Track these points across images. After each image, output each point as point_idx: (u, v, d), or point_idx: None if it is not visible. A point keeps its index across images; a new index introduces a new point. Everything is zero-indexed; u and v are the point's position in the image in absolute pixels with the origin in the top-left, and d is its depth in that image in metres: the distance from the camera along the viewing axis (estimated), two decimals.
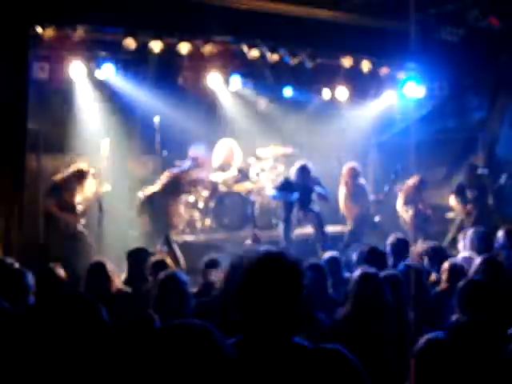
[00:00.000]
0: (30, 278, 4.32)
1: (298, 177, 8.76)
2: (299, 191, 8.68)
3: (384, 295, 4.18)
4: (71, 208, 7.76)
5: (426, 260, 5.75)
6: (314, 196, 8.98)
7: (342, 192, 9.46)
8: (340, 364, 2.03)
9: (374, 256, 5.35)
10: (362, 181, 9.59)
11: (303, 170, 8.75)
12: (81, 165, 8.01)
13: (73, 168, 7.93)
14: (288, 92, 10.15)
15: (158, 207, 8.36)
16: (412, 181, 9.43)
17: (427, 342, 2.81)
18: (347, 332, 3.96)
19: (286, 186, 8.78)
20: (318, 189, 8.86)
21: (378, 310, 4.11)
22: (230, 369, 1.61)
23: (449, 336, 2.92)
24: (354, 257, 5.92)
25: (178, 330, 1.63)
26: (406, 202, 9.40)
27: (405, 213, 9.40)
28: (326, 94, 10.31)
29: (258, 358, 2.01)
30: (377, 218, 9.66)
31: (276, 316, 2.03)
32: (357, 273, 4.30)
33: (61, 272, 4.95)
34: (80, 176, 7.87)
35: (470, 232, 6.21)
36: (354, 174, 9.44)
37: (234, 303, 2.08)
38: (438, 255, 5.68)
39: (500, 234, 6.20)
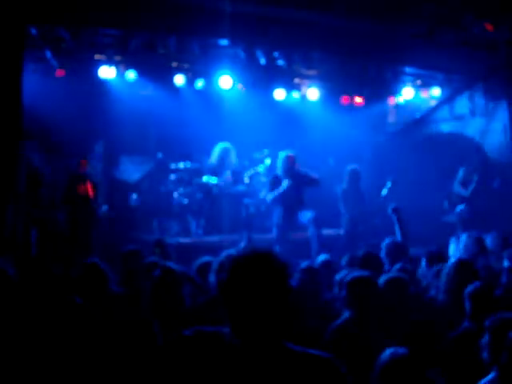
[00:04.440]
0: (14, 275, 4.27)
1: (284, 167, 8.77)
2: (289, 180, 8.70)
3: (379, 298, 4.13)
4: (68, 208, 7.77)
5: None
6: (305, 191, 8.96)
7: (341, 192, 9.53)
8: (331, 374, 2.00)
9: (368, 259, 5.32)
10: (361, 183, 9.66)
11: (288, 160, 8.77)
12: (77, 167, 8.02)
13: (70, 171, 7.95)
14: (280, 94, 10.20)
15: None
16: None
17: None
18: (345, 337, 3.92)
19: (275, 182, 8.80)
20: (306, 174, 8.84)
21: (372, 313, 4.06)
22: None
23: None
24: (344, 260, 5.90)
25: (196, 338, 1.61)
26: None
27: None
28: (319, 96, 10.38)
29: (245, 359, 1.96)
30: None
31: (259, 316, 1.97)
32: (348, 276, 4.26)
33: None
34: (77, 178, 7.88)
35: (464, 236, 6.22)
36: (354, 176, 9.52)
37: (220, 301, 2.04)
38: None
39: (489, 238, 6.24)
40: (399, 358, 2.86)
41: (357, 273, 4.27)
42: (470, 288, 4.00)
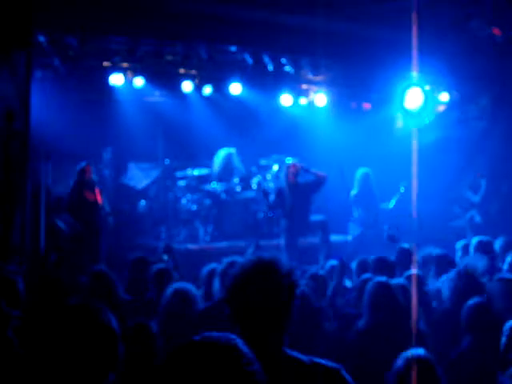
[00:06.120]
0: (22, 286, 4.26)
1: (286, 178, 8.70)
2: (292, 193, 8.63)
3: (399, 304, 4.08)
4: (76, 217, 7.78)
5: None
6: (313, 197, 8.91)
7: (352, 197, 9.49)
8: None
9: (382, 265, 5.26)
10: (372, 188, 9.61)
11: (289, 170, 8.70)
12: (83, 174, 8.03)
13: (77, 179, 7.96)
14: (287, 100, 10.18)
15: None
16: None
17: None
18: (368, 345, 3.85)
19: (279, 194, 8.74)
20: (309, 181, 8.78)
21: (395, 320, 3.99)
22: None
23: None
24: (354, 265, 5.86)
25: (201, 346, 1.57)
26: None
27: None
28: (327, 102, 10.37)
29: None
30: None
31: (264, 322, 1.98)
32: (370, 283, 4.19)
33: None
34: (84, 184, 7.89)
35: (474, 240, 6.18)
36: (365, 180, 9.47)
37: (225, 306, 2.04)
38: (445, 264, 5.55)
39: (497, 243, 6.20)
40: (417, 359, 2.80)
41: (379, 278, 4.23)
42: (470, 302, 3.92)
